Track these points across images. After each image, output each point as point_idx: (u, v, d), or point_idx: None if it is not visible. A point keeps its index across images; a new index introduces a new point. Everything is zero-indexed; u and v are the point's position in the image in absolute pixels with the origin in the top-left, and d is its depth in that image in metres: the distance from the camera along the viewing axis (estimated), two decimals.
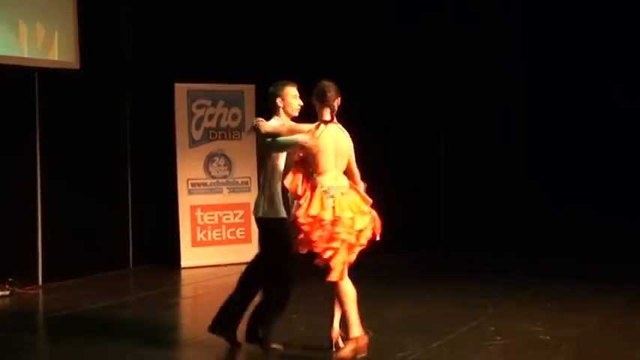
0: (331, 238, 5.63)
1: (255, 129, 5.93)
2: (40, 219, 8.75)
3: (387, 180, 10.28)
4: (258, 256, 6.25)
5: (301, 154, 5.85)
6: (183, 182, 10.03)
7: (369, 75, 10.75)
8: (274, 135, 5.90)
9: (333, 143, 5.89)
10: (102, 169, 9.44)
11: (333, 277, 5.70)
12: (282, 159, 5.95)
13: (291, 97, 6.22)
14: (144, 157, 9.91)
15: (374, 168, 9.43)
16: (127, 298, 8.40)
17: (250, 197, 10.27)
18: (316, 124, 5.96)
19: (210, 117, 10.21)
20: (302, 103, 6.22)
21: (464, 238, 10.96)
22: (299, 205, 5.71)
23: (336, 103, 6.06)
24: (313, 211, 5.61)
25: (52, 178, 8.84)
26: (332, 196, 5.69)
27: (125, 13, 9.77)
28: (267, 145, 5.92)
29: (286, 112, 6.14)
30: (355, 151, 6.07)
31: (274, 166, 5.94)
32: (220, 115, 10.26)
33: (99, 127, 9.41)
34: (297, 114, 6.17)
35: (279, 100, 6.18)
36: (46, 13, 8.85)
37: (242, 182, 10.31)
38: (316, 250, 5.70)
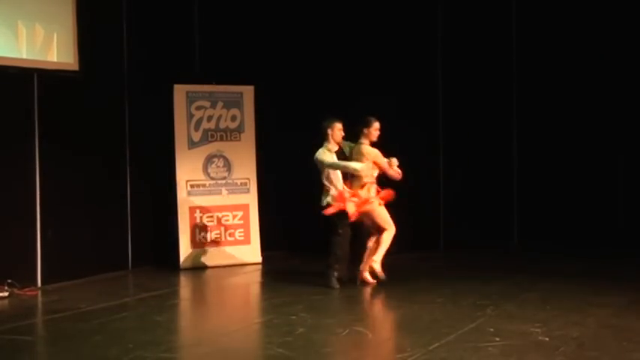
0: None
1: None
2: (39, 220, 8.75)
3: (386, 181, 10.27)
4: None
5: None
6: (182, 183, 10.03)
7: (367, 75, 10.75)
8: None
9: None
10: (101, 170, 9.43)
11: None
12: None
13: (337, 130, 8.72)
14: (143, 159, 9.91)
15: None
16: (126, 300, 8.39)
17: (249, 198, 10.28)
18: None
19: (209, 118, 10.21)
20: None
21: (464, 238, 10.95)
22: None
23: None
24: None
25: (51, 179, 8.84)
26: None
27: (124, 14, 9.76)
28: None
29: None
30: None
31: None
32: (219, 117, 10.26)
33: (98, 128, 9.40)
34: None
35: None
36: (45, 14, 8.85)
37: (241, 183, 10.31)
38: None
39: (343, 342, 6.48)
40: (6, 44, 8.53)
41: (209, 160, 10.19)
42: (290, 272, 9.58)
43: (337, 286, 8.46)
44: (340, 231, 8.54)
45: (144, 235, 9.94)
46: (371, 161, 8.63)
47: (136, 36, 9.86)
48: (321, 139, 8.72)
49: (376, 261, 8.64)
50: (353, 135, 9.17)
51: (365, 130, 8.71)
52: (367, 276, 8.65)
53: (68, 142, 8.99)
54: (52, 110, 8.87)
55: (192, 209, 10.06)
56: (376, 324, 7.39)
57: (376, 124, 8.73)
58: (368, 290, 8.46)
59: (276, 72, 10.74)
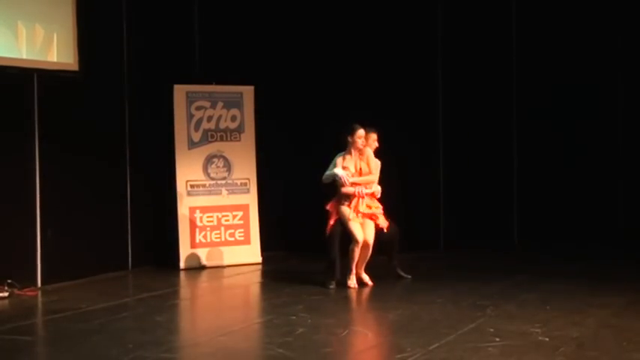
0: None
1: None
2: (39, 220, 8.75)
3: (387, 181, 10.29)
4: None
5: None
6: (182, 184, 10.03)
7: (366, 74, 10.75)
8: None
9: None
10: (101, 170, 9.42)
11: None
12: None
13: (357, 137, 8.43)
14: (143, 159, 9.91)
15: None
16: (126, 300, 8.39)
17: (249, 198, 10.29)
18: None
19: (209, 118, 10.21)
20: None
21: (464, 238, 10.95)
22: None
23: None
24: None
25: (51, 180, 8.83)
26: None
27: (124, 14, 9.76)
28: None
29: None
30: None
31: None
32: (219, 117, 10.26)
33: (98, 128, 9.40)
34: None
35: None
36: (45, 15, 8.85)
37: (241, 184, 10.31)
38: None
39: (343, 342, 6.48)
40: (6, 44, 8.52)
41: (209, 160, 10.19)
42: (289, 272, 9.59)
43: (332, 287, 8.42)
44: (329, 233, 8.54)
45: (144, 235, 9.94)
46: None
47: (136, 36, 9.85)
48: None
49: (350, 274, 8.49)
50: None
51: (349, 139, 8.47)
52: (352, 280, 8.52)
53: (68, 142, 8.98)
54: (52, 110, 8.87)
55: (192, 209, 10.06)
56: (376, 324, 7.39)
57: (360, 132, 8.40)
58: (368, 291, 8.45)
59: (276, 72, 10.74)
